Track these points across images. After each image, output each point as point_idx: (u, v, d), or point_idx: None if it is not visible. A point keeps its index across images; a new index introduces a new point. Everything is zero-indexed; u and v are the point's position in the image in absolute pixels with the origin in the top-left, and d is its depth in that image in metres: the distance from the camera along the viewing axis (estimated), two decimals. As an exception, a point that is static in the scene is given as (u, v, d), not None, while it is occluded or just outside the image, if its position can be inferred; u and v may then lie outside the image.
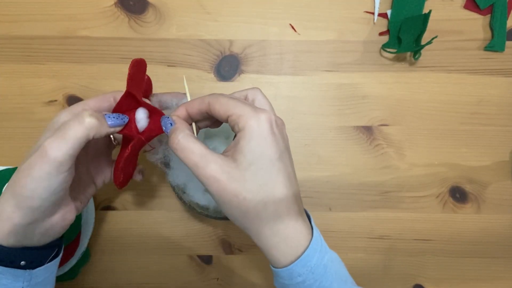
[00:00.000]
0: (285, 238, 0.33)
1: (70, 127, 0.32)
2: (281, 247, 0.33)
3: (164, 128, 0.35)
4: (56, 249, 0.37)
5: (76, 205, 0.38)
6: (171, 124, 0.35)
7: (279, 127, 0.33)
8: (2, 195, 0.34)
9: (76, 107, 0.35)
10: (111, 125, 0.34)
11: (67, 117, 0.34)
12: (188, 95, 0.38)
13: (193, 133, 0.35)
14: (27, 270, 0.34)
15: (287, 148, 0.34)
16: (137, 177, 0.42)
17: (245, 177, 0.32)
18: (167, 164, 0.43)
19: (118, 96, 0.36)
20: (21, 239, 0.33)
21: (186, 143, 0.33)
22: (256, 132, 0.32)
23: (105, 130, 0.33)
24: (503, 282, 0.51)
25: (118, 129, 0.35)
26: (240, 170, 0.32)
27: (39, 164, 0.31)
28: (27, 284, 0.35)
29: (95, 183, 0.41)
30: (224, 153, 0.34)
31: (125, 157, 0.36)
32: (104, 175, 0.42)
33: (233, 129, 0.33)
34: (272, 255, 0.33)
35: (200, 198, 0.45)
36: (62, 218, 0.36)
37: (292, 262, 0.33)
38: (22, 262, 0.34)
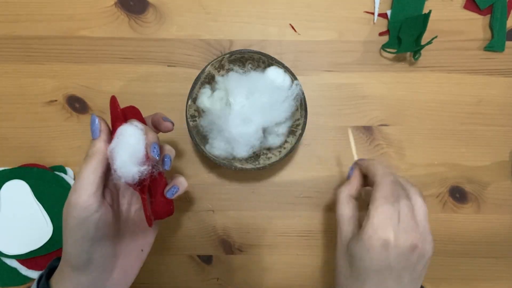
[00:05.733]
0: None
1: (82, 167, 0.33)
2: None
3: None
4: None
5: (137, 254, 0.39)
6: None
7: (399, 245, 0.33)
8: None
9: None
10: (94, 136, 0.34)
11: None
12: (354, 150, 0.44)
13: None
14: None
15: (403, 268, 0.34)
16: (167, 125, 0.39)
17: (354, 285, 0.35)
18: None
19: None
20: None
21: (341, 208, 0.39)
22: (365, 245, 0.34)
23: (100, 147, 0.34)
24: (503, 282, 0.51)
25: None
26: (353, 279, 0.35)
27: (69, 214, 0.33)
28: None
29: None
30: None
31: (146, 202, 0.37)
32: None
33: None
34: None
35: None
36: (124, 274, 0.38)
37: None
38: None
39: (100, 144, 0.33)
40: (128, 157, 0.33)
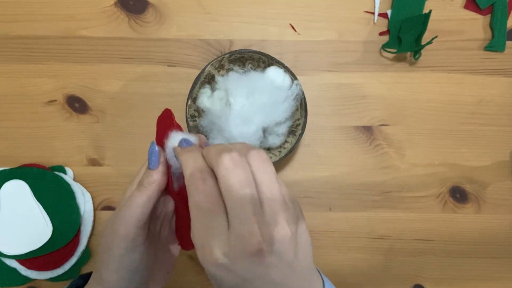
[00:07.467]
0: None
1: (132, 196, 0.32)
2: None
3: None
4: None
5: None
6: None
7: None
8: (90, 280, 0.34)
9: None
10: (152, 166, 0.32)
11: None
12: None
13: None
14: None
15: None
16: None
17: None
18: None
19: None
20: None
21: None
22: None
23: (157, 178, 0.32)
24: (503, 282, 0.51)
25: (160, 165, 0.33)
26: None
27: (114, 243, 0.32)
28: None
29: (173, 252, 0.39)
30: None
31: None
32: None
33: None
34: None
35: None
36: None
37: None
38: None
39: (158, 176, 0.32)
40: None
